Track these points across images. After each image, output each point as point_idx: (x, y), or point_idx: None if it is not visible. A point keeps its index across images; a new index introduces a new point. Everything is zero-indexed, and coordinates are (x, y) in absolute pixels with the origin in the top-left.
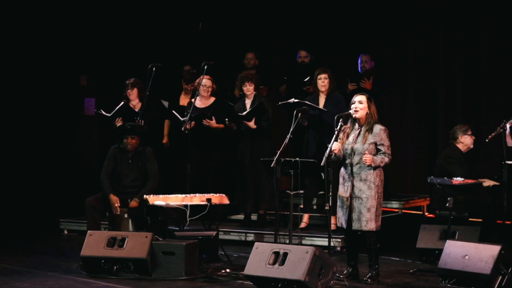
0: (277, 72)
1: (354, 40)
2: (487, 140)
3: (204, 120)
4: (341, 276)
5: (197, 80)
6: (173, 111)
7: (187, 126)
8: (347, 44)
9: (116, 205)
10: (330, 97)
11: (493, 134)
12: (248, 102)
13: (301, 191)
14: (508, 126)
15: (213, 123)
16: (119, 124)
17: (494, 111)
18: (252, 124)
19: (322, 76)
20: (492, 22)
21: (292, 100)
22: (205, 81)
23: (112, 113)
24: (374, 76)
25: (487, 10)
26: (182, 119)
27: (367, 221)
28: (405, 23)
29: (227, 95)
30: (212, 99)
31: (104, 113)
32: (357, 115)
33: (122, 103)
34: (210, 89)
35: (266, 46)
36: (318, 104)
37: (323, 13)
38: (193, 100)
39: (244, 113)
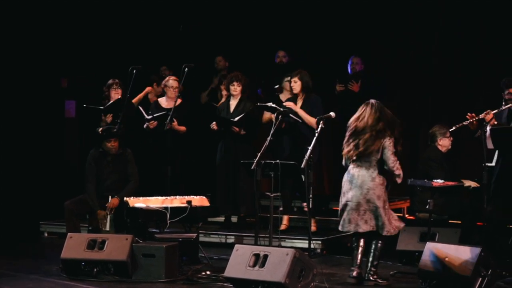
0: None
1: (344, 40)
2: (450, 130)
3: (166, 122)
4: (353, 274)
5: (163, 81)
6: (139, 107)
7: (150, 126)
8: (338, 45)
9: (104, 221)
10: (306, 99)
11: (458, 125)
12: (232, 104)
13: (279, 194)
14: (488, 128)
15: (174, 124)
16: (102, 128)
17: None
18: (241, 131)
19: (292, 79)
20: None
21: (270, 104)
22: (172, 82)
23: (107, 105)
24: (362, 79)
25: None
26: (146, 117)
27: (387, 225)
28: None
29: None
30: (179, 100)
31: (95, 106)
32: None
33: (118, 98)
34: (177, 90)
35: (245, 48)
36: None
37: (312, 13)
38: (159, 99)
39: (236, 118)
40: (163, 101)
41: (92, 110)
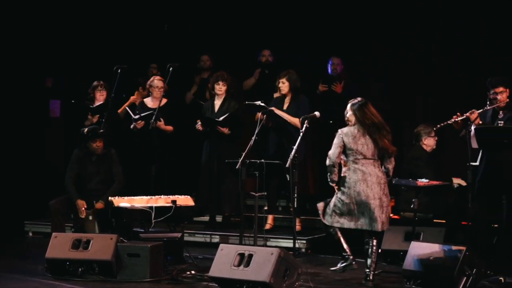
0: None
1: (326, 40)
2: (434, 129)
3: (154, 122)
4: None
5: (148, 82)
6: (127, 108)
7: (137, 126)
8: (320, 45)
9: (82, 208)
10: (294, 100)
11: (442, 124)
12: (217, 103)
13: (264, 193)
14: (473, 128)
15: (161, 124)
16: (88, 128)
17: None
18: (226, 130)
19: (280, 80)
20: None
21: (259, 102)
22: (157, 82)
23: (96, 106)
24: (346, 80)
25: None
26: (133, 117)
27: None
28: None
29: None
30: (164, 100)
31: (84, 104)
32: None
33: (108, 100)
34: (162, 90)
35: (230, 47)
36: (283, 105)
37: (307, 12)
38: (145, 100)
39: (221, 118)
40: (149, 101)
41: (80, 107)
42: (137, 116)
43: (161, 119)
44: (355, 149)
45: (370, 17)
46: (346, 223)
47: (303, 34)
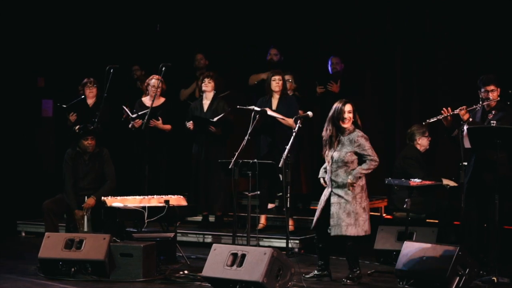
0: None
1: (321, 41)
2: (424, 123)
3: (151, 120)
4: (306, 276)
5: (147, 80)
6: (124, 106)
7: (135, 124)
8: (316, 46)
9: (82, 221)
10: (283, 99)
11: (432, 119)
12: (205, 103)
13: (257, 193)
14: (465, 127)
15: (159, 123)
16: (76, 126)
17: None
18: (219, 131)
19: (276, 77)
20: (450, 24)
21: (252, 107)
22: (154, 81)
23: (69, 104)
24: (342, 79)
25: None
26: (131, 115)
27: (347, 226)
28: (358, 24)
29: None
30: (162, 99)
31: (62, 105)
32: (346, 125)
33: (82, 97)
34: (159, 90)
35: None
36: (271, 106)
37: (290, 13)
38: (143, 99)
39: (215, 119)
40: (147, 100)
41: (58, 108)
42: (134, 115)
43: (159, 118)
44: None
45: (331, 19)
46: None
47: (305, 34)
